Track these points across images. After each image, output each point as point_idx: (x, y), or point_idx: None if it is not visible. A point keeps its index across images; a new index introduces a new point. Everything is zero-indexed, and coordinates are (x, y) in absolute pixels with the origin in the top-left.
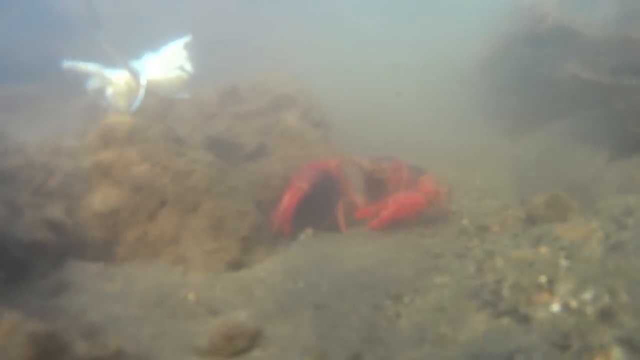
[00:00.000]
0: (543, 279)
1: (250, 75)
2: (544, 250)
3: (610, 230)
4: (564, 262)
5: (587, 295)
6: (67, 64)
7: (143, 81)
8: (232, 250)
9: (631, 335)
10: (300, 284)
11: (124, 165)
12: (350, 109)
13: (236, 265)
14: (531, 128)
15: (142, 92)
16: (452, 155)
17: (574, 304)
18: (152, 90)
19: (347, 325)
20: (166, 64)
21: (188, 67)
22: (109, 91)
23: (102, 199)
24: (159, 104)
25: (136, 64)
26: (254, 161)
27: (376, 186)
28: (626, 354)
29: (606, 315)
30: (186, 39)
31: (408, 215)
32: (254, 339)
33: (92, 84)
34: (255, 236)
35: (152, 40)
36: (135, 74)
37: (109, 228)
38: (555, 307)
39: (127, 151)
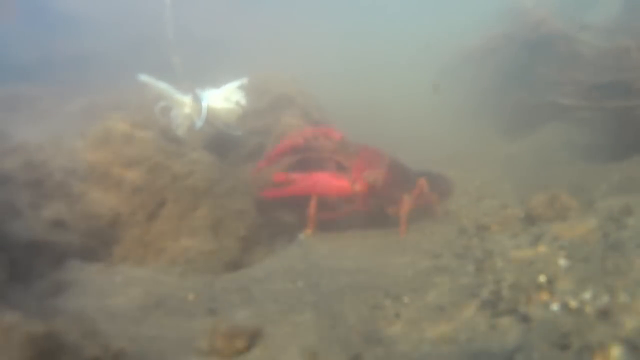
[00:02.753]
0: (542, 278)
1: (249, 75)
2: (543, 249)
3: (609, 229)
4: (563, 262)
5: (587, 295)
6: (143, 77)
7: (205, 106)
8: (231, 250)
9: (630, 334)
10: (299, 283)
11: (124, 166)
12: (348, 108)
13: (235, 265)
14: (529, 128)
15: (204, 114)
16: (451, 155)
17: (573, 303)
18: (210, 120)
19: (347, 325)
20: (225, 97)
21: (243, 102)
22: (174, 112)
23: (101, 199)
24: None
25: (200, 93)
26: (254, 161)
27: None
28: (625, 353)
29: (606, 315)
30: (242, 80)
31: (320, 195)
32: (253, 338)
33: (161, 104)
34: (254, 236)
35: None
36: (198, 99)
37: (109, 228)
38: (555, 307)
39: (126, 151)
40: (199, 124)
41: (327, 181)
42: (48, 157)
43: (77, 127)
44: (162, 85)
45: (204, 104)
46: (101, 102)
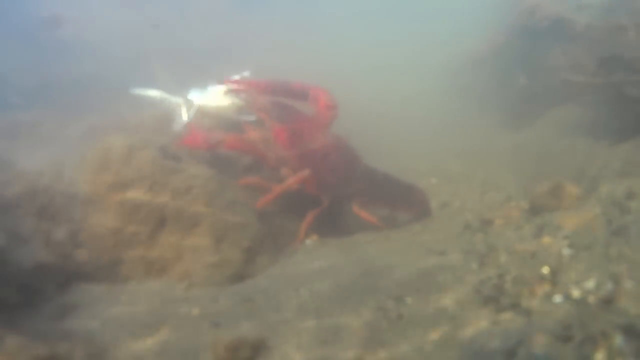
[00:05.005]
0: (546, 270)
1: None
2: (546, 240)
3: (612, 215)
4: (566, 251)
5: (590, 284)
6: (136, 91)
7: (194, 105)
8: (234, 263)
9: (634, 321)
10: (302, 291)
11: (123, 186)
12: (347, 108)
13: (239, 277)
14: (531, 118)
15: (190, 114)
16: (455, 149)
17: (576, 293)
18: (211, 114)
19: (349, 329)
20: (224, 94)
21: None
22: (180, 111)
23: (103, 221)
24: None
25: (196, 92)
26: (254, 172)
27: None
28: (628, 341)
29: (609, 303)
30: (245, 74)
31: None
32: (256, 349)
33: (173, 108)
34: (257, 246)
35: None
36: (189, 100)
37: (111, 249)
38: (558, 298)
39: (125, 172)
40: (180, 124)
41: (195, 135)
42: (50, 182)
43: (78, 151)
44: (154, 93)
45: (194, 104)
46: (102, 124)
